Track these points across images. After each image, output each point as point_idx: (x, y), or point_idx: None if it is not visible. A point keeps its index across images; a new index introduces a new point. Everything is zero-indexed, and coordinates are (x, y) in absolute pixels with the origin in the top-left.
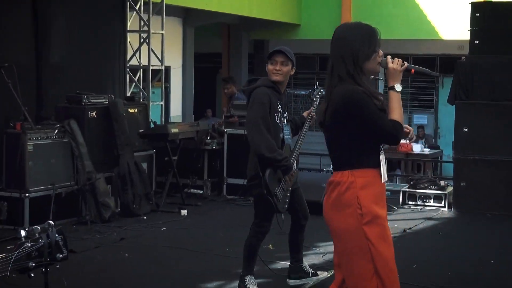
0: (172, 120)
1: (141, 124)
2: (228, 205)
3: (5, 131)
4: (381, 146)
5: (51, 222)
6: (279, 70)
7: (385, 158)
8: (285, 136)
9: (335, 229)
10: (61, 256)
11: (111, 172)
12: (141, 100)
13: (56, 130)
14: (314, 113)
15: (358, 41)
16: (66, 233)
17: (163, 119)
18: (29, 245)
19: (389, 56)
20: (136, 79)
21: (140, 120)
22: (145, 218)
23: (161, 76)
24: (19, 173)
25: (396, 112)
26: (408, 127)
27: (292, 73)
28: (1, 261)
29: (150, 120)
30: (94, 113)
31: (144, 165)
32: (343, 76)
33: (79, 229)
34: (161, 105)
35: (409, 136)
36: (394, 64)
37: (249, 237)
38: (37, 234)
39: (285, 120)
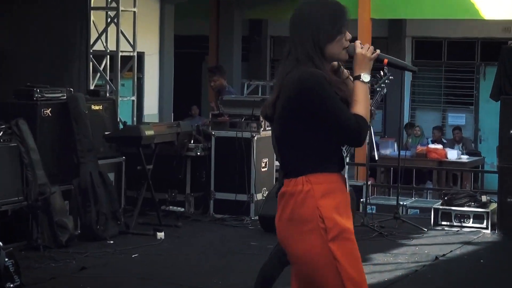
0: (146, 119)
1: (107, 124)
2: (216, 226)
3: None
4: (343, 148)
5: None
6: None
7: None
8: None
9: (295, 252)
10: (12, 285)
11: (69, 184)
12: (108, 95)
13: (1, 132)
14: (373, 107)
15: (319, 18)
16: None
17: (135, 119)
18: None
19: (358, 41)
20: (101, 69)
21: (107, 120)
22: (111, 242)
23: (133, 64)
24: None
25: (361, 106)
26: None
27: None
28: None
29: (118, 119)
30: (48, 111)
31: (111, 176)
32: (300, 59)
33: (29, 256)
34: (133, 100)
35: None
36: (364, 50)
37: (268, 262)
38: None
39: None
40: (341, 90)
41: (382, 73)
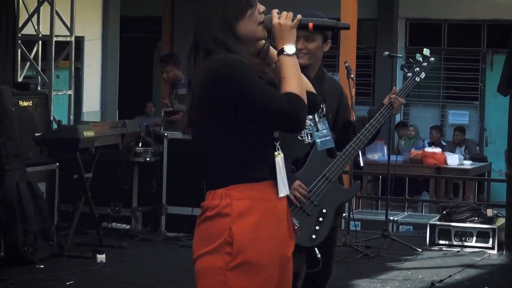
0: (85, 118)
1: (38, 124)
2: (169, 247)
3: None
4: (277, 144)
5: None
6: (302, 49)
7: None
8: (318, 139)
9: (196, 269)
10: None
11: None
12: (39, 88)
13: None
14: (396, 96)
15: None
16: None
17: (71, 117)
18: None
19: (275, 10)
20: (32, 57)
21: (37, 119)
22: (42, 266)
23: (70, 52)
24: None
25: (292, 82)
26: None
27: (326, 49)
28: None
29: (52, 118)
30: None
31: (42, 187)
32: (211, 47)
33: None
34: (69, 95)
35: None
36: (282, 19)
37: None
38: None
39: (318, 119)
40: (265, 73)
41: (420, 57)
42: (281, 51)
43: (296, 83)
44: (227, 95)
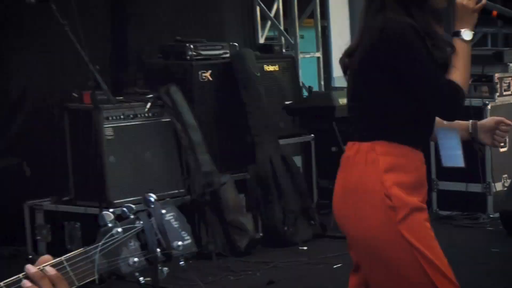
0: (336, 84)
1: (287, 91)
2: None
3: (65, 106)
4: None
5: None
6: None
7: None
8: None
9: (351, 231)
10: (181, 244)
11: (244, 172)
12: (284, 51)
13: (149, 104)
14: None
15: None
16: (179, 274)
17: (322, 83)
18: (120, 230)
19: None
20: (272, 14)
21: (286, 85)
22: (305, 248)
23: (315, 8)
24: (95, 175)
25: (459, 71)
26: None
27: None
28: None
29: (301, 84)
30: (208, 74)
31: (298, 161)
32: (388, 2)
33: (200, 267)
34: (318, 57)
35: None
36: None
37: None
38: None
39: None
40: (443, 50)
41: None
42: (456, 34)
43: (464, 75)
44: (393, 59)
